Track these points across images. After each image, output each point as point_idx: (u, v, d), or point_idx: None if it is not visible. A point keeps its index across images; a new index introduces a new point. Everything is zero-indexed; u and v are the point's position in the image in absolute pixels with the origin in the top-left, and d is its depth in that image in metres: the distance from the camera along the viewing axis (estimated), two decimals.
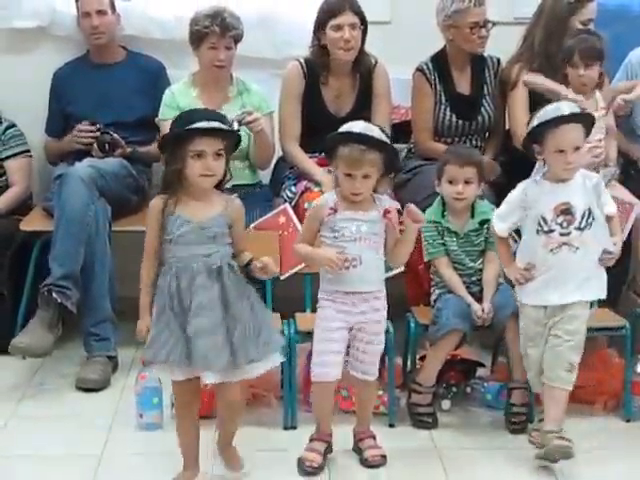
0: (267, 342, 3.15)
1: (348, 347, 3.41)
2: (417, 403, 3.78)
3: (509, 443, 3.64)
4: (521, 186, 3.52)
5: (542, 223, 3.44)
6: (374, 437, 3.52)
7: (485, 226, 3.80)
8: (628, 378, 3.82)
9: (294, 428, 3.73)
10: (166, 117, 4.34)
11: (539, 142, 3.45)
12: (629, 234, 4.05)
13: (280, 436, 3.70)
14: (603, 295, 3.53)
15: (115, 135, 4.52)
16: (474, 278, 3.81)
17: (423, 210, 3.88)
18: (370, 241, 3.32)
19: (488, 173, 4.18)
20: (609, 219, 3.53)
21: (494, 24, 4.38)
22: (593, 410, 3.86)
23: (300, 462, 3.43)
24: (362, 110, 4.45)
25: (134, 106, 4.62)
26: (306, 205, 4.07)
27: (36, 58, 4.86)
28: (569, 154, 3.39)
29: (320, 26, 4.34)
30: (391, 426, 3.76)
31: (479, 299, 3.74)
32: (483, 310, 3.68)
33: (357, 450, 3.52)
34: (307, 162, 4.35)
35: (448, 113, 4.48)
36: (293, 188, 4.36)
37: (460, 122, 4.49)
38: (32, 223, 4.45)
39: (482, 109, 4.51)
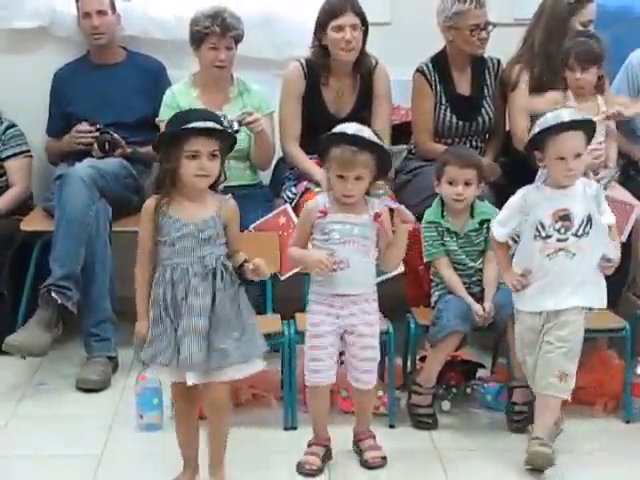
0: (250, 347, 3.13)
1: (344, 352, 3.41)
2: (417, 404, 3.78)
3: (509, 444, 3.64)
4: (521, 192, 3.52)
5: (540, 229, 3.43)
6: (374, 437, 3.52)
7: (485, 226, 3.80)
8: (628, 379, 3.81)
9: (294, 429, 3.73)
10: (166, 117, 4.32)
11: (540, 149, 3.44)
12: (629, 235, 4.05)
13: (280, 437, 3.70)
14: (602, 304, 3.51)
15: (115, 135, 4.52)
16: (474, 278, 3.81)
17: (423, 211, 3.91)
18: (359, 244, 3.32)
19: (488, 174, 4.18)
20: (607, 229, 3.52)
21: (494, 26, 4.38)
22: (593, 411, 3.86)
23: (299, 466, 3.43)
24: (362, 111, 4.45)
25: (134, 106, 4.62)
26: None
27: (37, 58, 4.86)
28: (570, 161, 3.38)
29: (321, 27, 4.34)
30: (391, 427, 3.76)
31: (480, 299, 3.74)
32: (484, 309, 3.68)
33: (357, 451, 3.52)
34: (307, 163, 4.35)
35: (448, 114, 4.49)
36: (293, 189, 4.36)
37: (460, 123, 4.49)
38: (32, 223, 4.45)
39: (482, 110, 4.51)
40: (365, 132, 3.30)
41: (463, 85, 4.52)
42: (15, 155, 4.64)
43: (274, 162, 4.62)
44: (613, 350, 4.06)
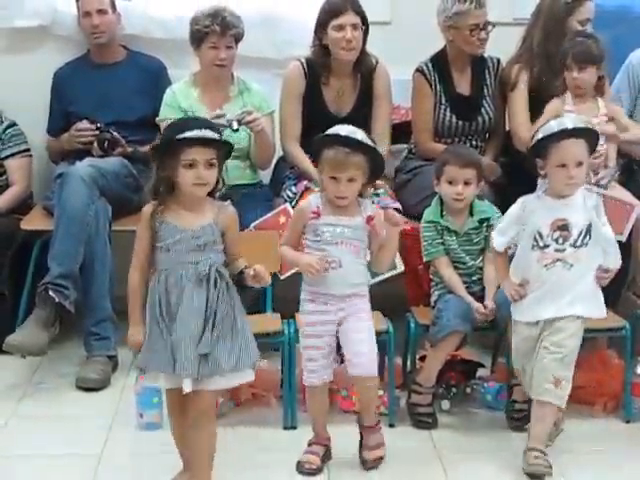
0: (242, 356, 3.09)
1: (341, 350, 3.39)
2: (417, 403, 3.79)
3: (509, 443, 3.64)
4: (521, 200, 3.50)
5: (538, 238, 3.42)
6: (377, 431, 3.48)
7: (484, 224, 3.80)
8: (628, 379, 3.81)
9: (294, 428, 3.73)
10: (167, 117, 4.35)
11: (542, 156, 3.43)
12: (629, 235, 4.05)
13: (280, 436, 3.70)
14: (602, 314, 3.49)
15: (115, 134, 4.52)
16: (474, 277, 3.81)
17: (423, 210, 3.91)
18: (351, 245, 3.31)
19: (488, 174, 4.18)
20: (607, 241, 3.50)
21: (494, 26, 4.38)
22: (593, 411, 3.86)
23: (299, 465, 3.43)
24: (362, 110, 4.45)
25: (135, 106, 4.62)
26: None
27: (37, 57, 4.86)
28: (571, 168, 3.36)
29: (321, 26, 4.33)
30: (391, 426, 3.75)
31: (480, 298, 3.74)
32: (486, 307, 3.68)
33: (360, 444, 3.49)
34: (307, 162, 4.34)
35: (448, 114, 4.49)
36: (293, 188, 4.36)
37: (460, 123, 4.49)
38: (32, 222, 4.45)
39: (482, 110, 4.51)
40: (358, 134, 3.29)
41: (463, 85, 4.52)
42: (15, 154, 4.64)
43: (274, 161, 4.62)
44: (613, 350, 4.06)
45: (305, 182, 4.31)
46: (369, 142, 3.31)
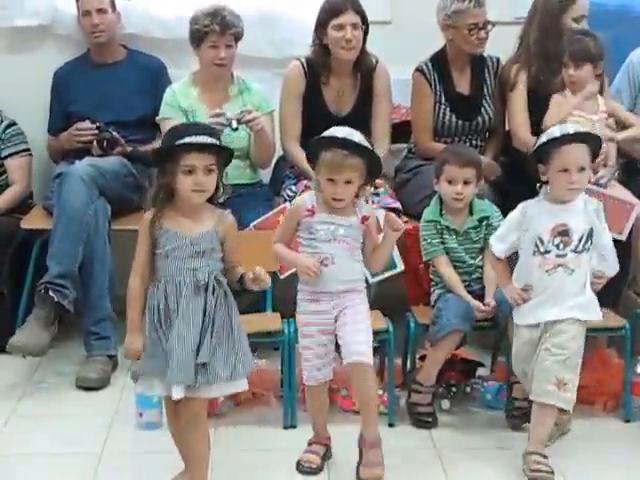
0: (238, 365, 3.08)
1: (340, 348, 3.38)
2: (417, 403, 3.79)
3: (509, 443, 3.64)
4: (521, 206, 3.50)
5: (539, 244, 3.42)
6: (378, 446, 3.38)
7: (484, 223, 3.81)
8: (628, 379, 3.82)
9: (294, 427, 3.73)
10: (167, 116, 4.35)
11: (544, 161, 3.43)
12: (629, 234, 4.05)
13: (280, 435, 3.70)
14: (599, 316, 3.48)
15: (114, 133, 4.52)
16: (474, 276, 3.82)
17: (423, 209, 3.91)
18: (344, 243, 3.30)
19: (488, 174, 4.18)
20: (605, 247, 3.50)
21: (493, 25, 4.38)
22: (593, 410, 3.86)
23: (299, 464, 3.43)
24: (362, 110, 4.45)
25: (135, 105, 4.62)
26: None
27: (37, 57, 4.87)
28: (573, 173, 3.36)
29: (321, 25, 4.33)
30: (391, 425, 3.76)
31: (480, 296, 3.74)
32: (487, 305, 3.68)
33: (360, 456, 3.42)
34: (307, 162, 4.34)
35: (448, 113, 4.49)
36: (293, 187, 4.36)
37: (460, 122, 4.49)
38: (32, 222, 4.46)
39: (482, 109, 4.51)
40: (356, 136, 3.28)
41: (463, 84, 4.52)
42: (15, 154, 4.64)
43: (274, 161, 4.62)
44: (613, 349, 4.07)
45: (305, 181, 4.31)
46: (366, 144, 3.30)
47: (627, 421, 3.82)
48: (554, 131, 3.42)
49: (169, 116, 4.35)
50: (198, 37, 4.36)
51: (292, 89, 4.46)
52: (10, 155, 4.63)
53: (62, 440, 3.64)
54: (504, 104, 4.51)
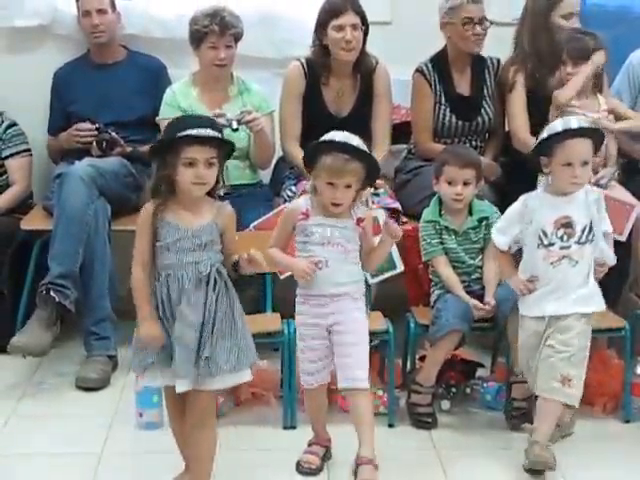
0: (241, 356, 3.08)
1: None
2: (417, 403, 3.79)
3: (508, 443, 3.64)
4: (522, 198, 3.51)
5: (542, 237, 3.43)
6: (373, 464, 3.31)
7: (483, 224, 3.81)
8: (628, 379, 3.82)
9: (293, 428, 3.73)
10: (166, 116, 4.34)
11: (547, 154, 3.44)
12: (629, 235, 4.05)
13: (279, 436, 3.70)
14: (602, 307, 3.50)
15: (113, 134, 4.52)
16: (474, 276, 3.82)
17: (423, 210, 3.91)
18: (339, 246, 3.29)
19: (488, 174, 4.19)
20: (605, 235, 3.52)
21: (491, 23, 4.38)
22: (592, 411, 3.86)
23: (298, 464, 3.43)
24: (362, 111, 4.45)
25: (135, 106, 4.62)
26: None
27: (37, 57, 4.86)
28: (576, 167, 3.37)
29: (321, 26, 4.33)
30: (390, 426, 3.76)
31: (479, 296, 3.74)
32: (486, 304, 3.69)
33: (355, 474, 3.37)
34: (304, 166, 4.34)
35: (448, 114, 4.49)
36: (293, 188, 4.36)
37: (460, 123, 4.49)
38: (32, 222, 4.45)
39: (482, 110, 4.51)
40: (354, 140, 3.28)
41: (463, 85, 4.52)
42: (15, 154, 4.64)
43: (274, 161, 4.62)
44: (613, 350, 4.07)
45: (305, 182, 4.30)
46: (365, 148, 3.31)
47: (627, 422, 3.82)
48: (556, 125, 3.43)
49: (169, 116, 4.32)
50: (198, 38, 4.36)
51: (292, 89, 4.46)
52: (10, 155, 4.63)
53: (62, 440, 3.64)
54: (504, 105, 4.51)
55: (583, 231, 3.41)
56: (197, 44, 4.39)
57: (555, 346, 3.40)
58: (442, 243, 3.82)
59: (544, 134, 3.45)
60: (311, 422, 3.52)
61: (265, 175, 4.67)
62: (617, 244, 3.66)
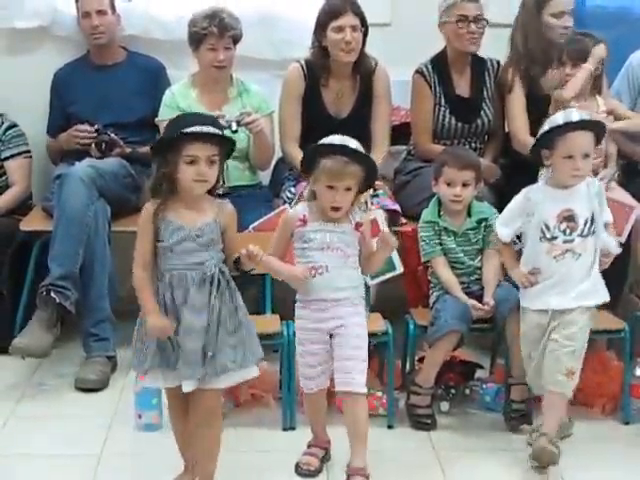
0: (246, 353, 3.10)
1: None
2: (416, 404, 3.79)
3: (508, 445, 3.64)
4: (524, 191, 3.52)
5: (545, 230, 3.45)
6: (364, 474, 3.29)
7: (482, 224, 3.82)
8: (627, 381, 3.82)
9: (293, 429, 3.73)
10: (166, 117, 4.33)
11: (549, 147, 3.45)
12: (628, 236, 4.05)
13: (279, 437, 3.70)
14: (606, 298, 3.52)
15: (112, 135, 4.52)
16: (473, 277, 3.82)
17: (422, 211, 3.91)
18: (338, 250, 3.28)
19: (488, 176, 4.19)
20: (606, 226, 3.54)
21: (487, 21, 4.38)
22: (592, 413, 3.86)
23: (297, 466, 3.44)
24: (362, 112, 4.45)
25: (134, 107, 4.62)
26: None
27: (37, 58, 4.86)
28: (578, 160, 3.39)
29: (321, 27, 4.33)
30: (390, 427, 3.76)
31: (479, 298, 3.75)
32: (485, 304, 3.69)
33: None
34: (301, 171, 4.33)
35: (447, 115, 4.49)
36: (293, 189, 4.36)
37: (459, 124, 4.49)
38: (32, 223, 4.45)
39: (482, 112, 4.51)
40: (352, 143, 3.28)
41: (462, 86, 4.52)
42: (15, 155, 4.64)
43: (273, 162, 4.62)
44: (612, 351, 4.07)
45: (304, 183, 4.30)
46: (363, 151, 3.31)
47: (626, 423, 3.82)
48: (558, 118, 3.44)
49: (168, 117, 4.33)
50: (196, 39, 4.36)
51: (292, 91, 4.46)
52: (11, 157, 4.63)
53: (62, 441, 3.65)
54: (503, 107, 4.51)
55: (585, 224, 3.43)
56: (196, 46, 4.39)
57: (559, 340, 3.42)
58: (441, 244, 3.82)
59: (545, 126, 3.47)
60: (310, 424, 3.52)
61: (265, 176, 4.67)
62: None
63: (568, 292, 3.44)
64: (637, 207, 4.08)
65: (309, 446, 3.49)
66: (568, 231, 3.43)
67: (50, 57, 4.85)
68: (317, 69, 4.41)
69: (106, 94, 4.64)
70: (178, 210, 3.07)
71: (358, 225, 3.31)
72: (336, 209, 3.25)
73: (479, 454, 3.60)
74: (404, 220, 4.22)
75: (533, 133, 4.10)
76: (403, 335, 3.87)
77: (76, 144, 4.56)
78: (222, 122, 4.14)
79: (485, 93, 4.53)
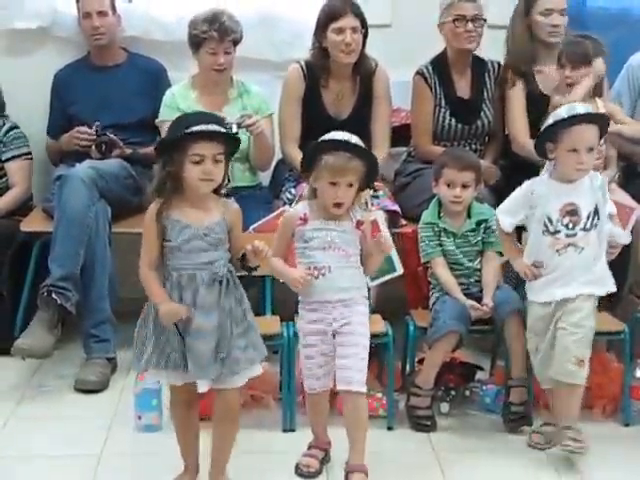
0: (254, 351, 3.13)
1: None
2: (416, 406, 3.79)
3: (507, 446, 3.64)
4: (528, 183, 3.54)
5: (547, 224, 3.46)
6: (365, 473, 3.32)
7: (482, 226, 3.82)
8: (627, 382, 3.82)
9: (293, 430, 3.73)
10: (166, 118, 4.34)
11: (553, 140, 3.45)
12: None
13: (279, 438, 3.71)
14: (612, 288, 3.54)
15: (112, 136, 4.52)
16: (472, 279, 3.82)
17: (422, 213, 3.91)
18: (340, 250, 3.28)
19: (488, 177, 4.20)
20: (610, 217, 3.56)
21: (485, 20, 4.38)
22: (592, 414, 3.86)
23: (297, 467, 3.44)
24: (362, 113, 4.46)
25: (135, 108, 4.62)
26: None
27: (37, 59, 4.86)
28: (582, 154, 3.40)
29: (321, 29, 4.33)
30: (389, 429, 3.76)
31: (478, 299, 3.75)
32: (484, 305, 3.69)
33: None
34: (301, 170, 4.33)
35: (448, 117, 4.49)
36: (293, 190, 4.36)
37: (460, 126, 4.49)
38: (32, 224, 4.45)
39: (482, 113, 4.52)
40: (353, 139, 3.28)
41: (463, 88, 4.52)
42: (16, 157, 4.64)
43: (274, 164, 4.62)
44: (612, 353, 4.07)
45: (305, 184, 4.30)
46: (364, 147, 3.31)
47: (626, 425, 3.83)
48: (562, 112, 3.44)
49: (168, 118, 4.33)
50: (196, 43, 4.36)
51: (292, 92, 4.46)
52: (12, 158, 4.62)
53: (62, 442, 3.65)
54: (503, 108, 4.51)
55: (588, 217, 3.45)
56: (196, 48, 4.39)
57: (567, 328, 3.44)
58: (441, 245, 3.83)
59: (550, 120, 3.47)
60: (311, 425, 3.52)
61: (265, 177, 4.68)
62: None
63: (572, 284, 3.46)
64: (637, 208, 4.07)
65: (309, 447, 3.49)
66: (571, 225, 3.44)
67: (50, 58, 4.85)
68: (317, 70, 4.41)
69: (106, 95, 4.64)
70: (183, 209, 3.07)
71: (359, 223, 3.31)
72: (338, 205, 3.25)
73: (479, 455, 3.60)
74: (404, 221, 4.23)
75: (532, 133, 4.10)
76: (403, 336, 3.88)
77: (76, 146, 4.56)
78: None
79: (485, 94, 4.53)
